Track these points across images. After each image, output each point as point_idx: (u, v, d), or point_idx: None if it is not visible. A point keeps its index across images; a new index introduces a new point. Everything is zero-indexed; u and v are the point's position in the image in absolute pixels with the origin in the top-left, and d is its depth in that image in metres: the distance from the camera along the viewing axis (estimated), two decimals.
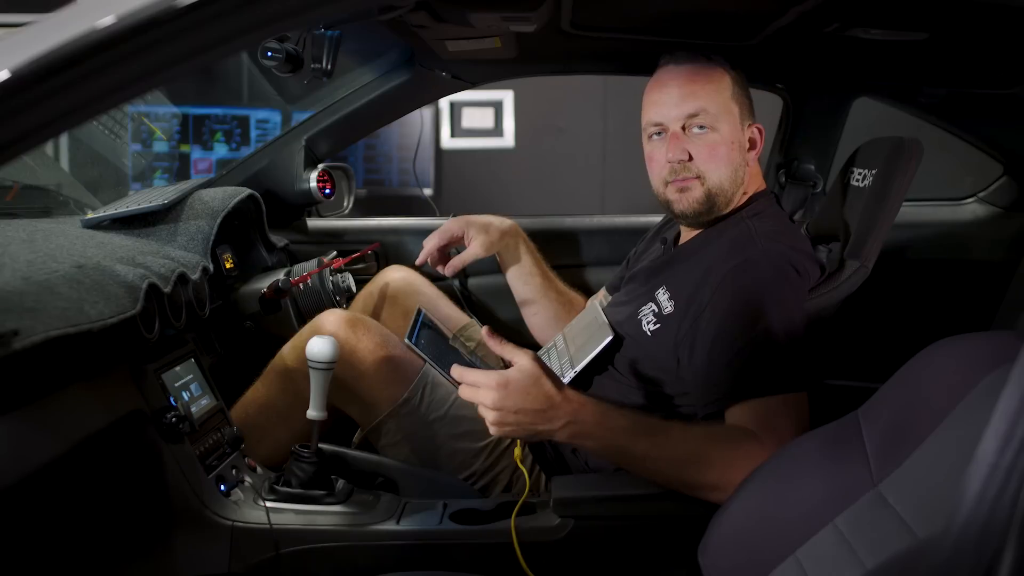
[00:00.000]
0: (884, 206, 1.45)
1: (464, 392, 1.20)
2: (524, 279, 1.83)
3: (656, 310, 1.44)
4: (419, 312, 1.71)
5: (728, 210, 1.50)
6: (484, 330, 1.26)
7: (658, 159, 1.48)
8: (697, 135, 1.44)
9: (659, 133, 1.48)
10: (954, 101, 1.99)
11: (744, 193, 1.51)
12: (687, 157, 1.44)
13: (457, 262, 1.77)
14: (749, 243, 1.39)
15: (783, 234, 1.43)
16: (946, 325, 1.19)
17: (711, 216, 1.49)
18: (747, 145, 1.49)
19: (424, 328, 1.65)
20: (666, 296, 1.44)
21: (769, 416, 1.26)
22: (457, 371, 1.21)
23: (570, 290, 1.87)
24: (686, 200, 1.46)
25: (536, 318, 1.84)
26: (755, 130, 1.51)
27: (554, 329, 1.80)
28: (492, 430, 1.19)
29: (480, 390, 1.18)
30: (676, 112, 1.45)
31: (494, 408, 1.17)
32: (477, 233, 1.77)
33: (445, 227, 1.79)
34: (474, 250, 1.77)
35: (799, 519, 1.01)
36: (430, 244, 1.78)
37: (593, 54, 1.91)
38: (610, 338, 1.48)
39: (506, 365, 1.80)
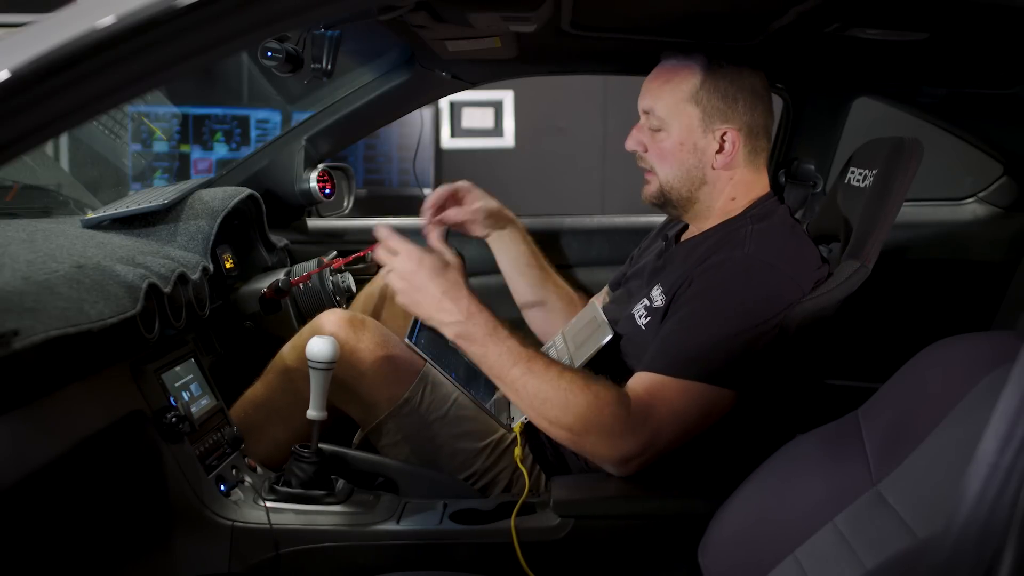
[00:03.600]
0: (884, 206, 1.45)
1: (379, 253, 1.32)
2: (521, 270, 1.81)
3: (648, 304, 1.45)
4: None
5: (719, 209, 1.50)
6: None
7: None
8: (651, 131, 1.50)
9: None
10: (954, 101, 1.99)
11: (733, 198, 1.50)
12: (643, 149, 1.51)
13: (457, 214, 1.73)
14: (738, 246, 1.39)
15: (781, 242, 1.41)
16: (946, 325, 1.19)
17: (676, 210, 1.53)
18: (714, 148, 1.47)
19: (424, 329, 1.65)
20: (659, 291, 1.44)
21: (654, 392, 1.29)
22: (383, 232, 1.32)
23: (569, 288, 1.87)
24: (646, 191, 1.55)
25: (535, 312, 1.83)
26: (726, 136, 1.46)
27: (554, 324, 1.80)
28: (397, 298, 1.32)
29: (397, 257, 1.29)
30: (639, 104, 1.52)
31: (402, 277, 1.29)
32: (481, 196, 1.76)
33: (454, 185, 1.75)
34: (477, 207, 1.74)
35: (799, 518, 1.01)
36: (436, 194, 1.72)
37: (593, 54, 1.90)
38: (609, 336, 1.49)
39: None
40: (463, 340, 1.31)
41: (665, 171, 1.50)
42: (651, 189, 1.52)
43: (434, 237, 1.35)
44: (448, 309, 1.29)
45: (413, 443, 1.52)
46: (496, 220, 1.78)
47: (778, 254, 1.38)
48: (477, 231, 1.79)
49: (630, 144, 1.52)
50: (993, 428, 0.59)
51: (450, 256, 1.31)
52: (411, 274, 1.30)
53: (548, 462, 1.50)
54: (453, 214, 1.73)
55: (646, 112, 1.50)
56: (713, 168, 1.48)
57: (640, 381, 1.32)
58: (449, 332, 1.31)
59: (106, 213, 1.57)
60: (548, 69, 2.13)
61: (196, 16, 0.74)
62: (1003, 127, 2.09)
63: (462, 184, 1.76)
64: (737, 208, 1.50)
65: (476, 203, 1.75)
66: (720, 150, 1.47)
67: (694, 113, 1.46)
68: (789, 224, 1.49)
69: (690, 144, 1.47)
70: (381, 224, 1.34)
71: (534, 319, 1.84)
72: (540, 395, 1.28)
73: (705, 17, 1.50)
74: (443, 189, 1.74)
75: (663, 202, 1.53)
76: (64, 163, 3.18)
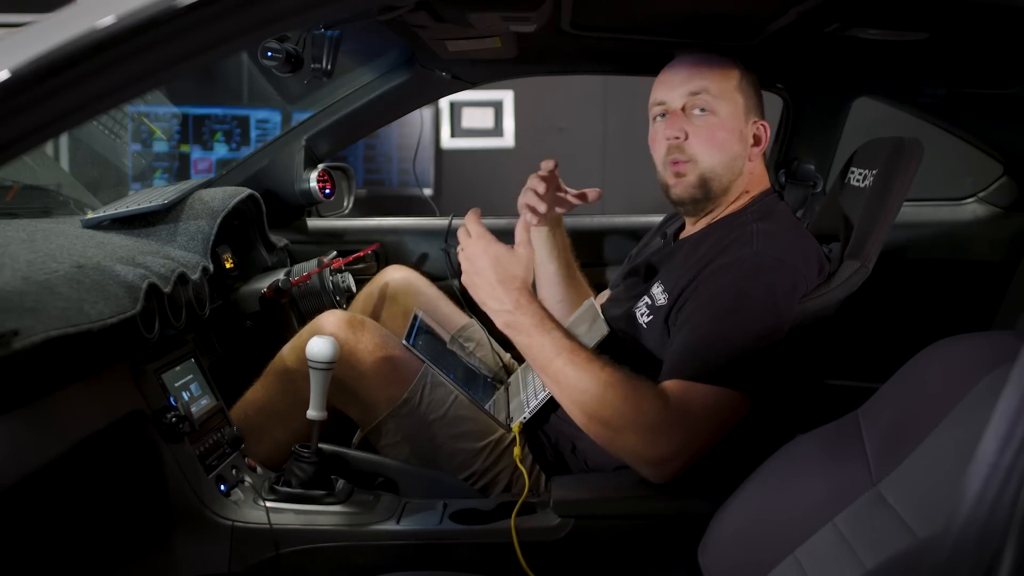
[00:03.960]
0: (884, 206, 1.45)
1: (460, 232, 1.36)
2: (561, 261, 1.78)
3: (650, 303, 1.45)
4: (415, 316, 1.71)
5: (728, 204, 1.50)
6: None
7: (659, 140, 1.50)
8: (697, 117, 1.46)
9: (663, 115, 1.50)
10: (954, 101, 1.99)
11: (747, 192, 1.51)
12: (684, 136, 1.46)
13: (594, 194, 1.71)
14: (746, 244, 1.38)
15: (785, 240, 1.40)
16: (946, 325, 1.19)
17: (708, 204, 1.50)
18: (750, 140, 1.50)
19: (421, 332, 1.66)
20: (660, 289, 1.44)
21: (690, 396, 1.28)
22: (472, 216, 1.35)
23: (589, 287, 1.84)
24: (682, 185, 1.49)
25: (558, 307, 1.78)
26: (760, 127, 1.51)
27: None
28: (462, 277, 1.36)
29: (471, 239, 1.33)
30: (679, 90, 1.47)
31: (467, 259, 1.33)
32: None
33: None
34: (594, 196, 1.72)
35: (799, 518, 1.01)
36: (549, 171, 1.65)
37: (593, 54, 1.90)
38: (606, 333, 1.49)
39: (504, 366, 1.80)
40: (510, 329, 1.32)
41: (711, 157, 1.46)
42: (690, 180, 1.47)
43: (523, 226, 1.36)
44: (499, 297, 1.30)
45: (413, 443, 1.51)
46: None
47: (785, 250, 1.38)
48: (548, 221, 1.74)
49: (671, 131, 1.46)
50: (993, 428, 0.59)
51: (523, 248, 1.33)
52: (475, 258, 1.32)
53: (548, 462, 1.50)
54: (558, 203, 1.69)
55: (695, 93, 1.46)
56: (749, 160, 1.50)
57: (674, 387, 1.30)
58: (498, 320, 1.32)
59: (106, 213, 1.57)
60: (548, 69, 2.13)
61: (196, 16, 0.74)
62: (1003, 127, 2.09)
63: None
64: (741, 203, 1.50)
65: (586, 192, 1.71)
66: (755, 143, 1.50)
67: (740, 101, 1.48)
68: (793, 221, 1.49)
69: (737, 131, 1.48)
70: (474, 210, 1.37)
71: (554, 312, 1.81)
72: (580, 387, 1.27)
73: (705, 17, 1.50)
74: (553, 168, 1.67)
75: (703, 193, 1.48)
76: (64, 163, 3.18)
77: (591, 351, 1.31)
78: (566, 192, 1.70)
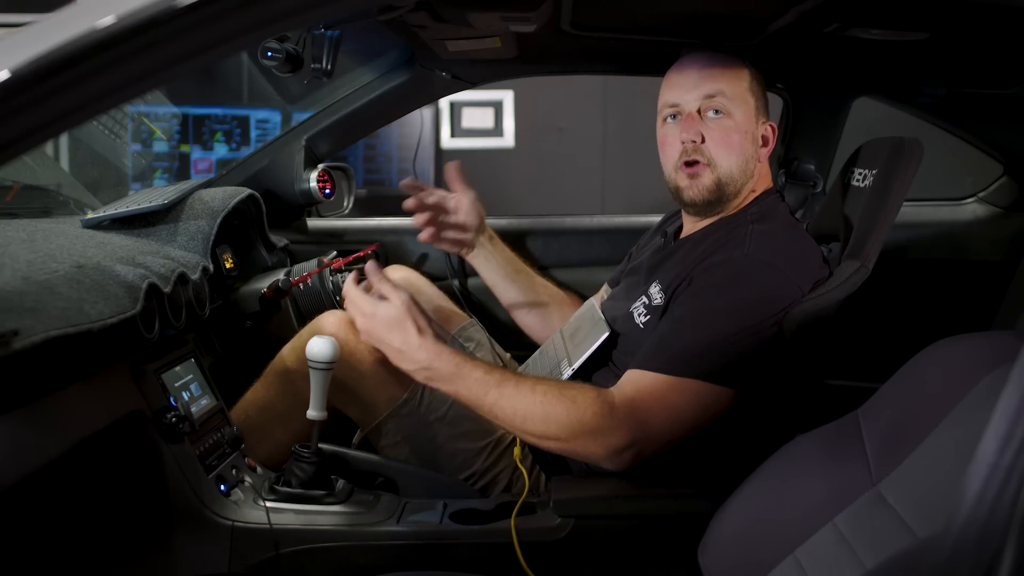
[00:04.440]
0: (884, 206, 1.45)
1: (347, 304, 1.35)
2: (511, 277, 1.82)
3: (647, 302, 1.45)
4: None
5: (735, 204, 1.50)
6: (368, 265, 1.36)
7: (671, 142, 1.49)
8: (712, 119, 1.45)
9: (674, 116, 1.49)
10: (954, 101, 1.99)
11: (752, 191, 1.51)
12: (700, 139, 1.45)
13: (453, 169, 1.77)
14: (738, 247, 1.39)
15: (781, 242, 1.40)
16: (946, 325, 1.19)
17: (720, 206, 1.49)
18: (760, 140, 1.50)
19: None
20: (657, 289, 1.44)
21: (642, 388, 1.29)
22: (347, 286, 1.35)
23: (558, 288, 1.87)
24: (696, 187, 1.47)
25: (530, 316, 1.83)
26: (768, 127, 1.51)
27: (550, 325, 1.80)
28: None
29: (356, 312, 1.33)
30: (694, 93, 1.46)
31: (363, 331, 1.33)
32: (471, 206, 1.77)
33: (447, 196, 1.78)
34: (468, 219, 1.77)
35: (799, 518, 1.01)
36: (431, 200, 1.75)
37: (593, 54, 1.90)
38: (606, 334, 1.49)
39: (504, 366, 1.80)
40: (432, 383, 1.33)
41: (727, 161, 1.45)
42: (705, 182, 1.45)
43: (377, 274, 1.35)
44: (409, 359, 1.31)
45: (413, 443, 1.52)
46: (479, 232, 1.80)
47: (777, 254, 1.38)
48: (462, 247, 1.81)
49: (687, 134, 1.45)
50: (993, 428, 0.59)
51: (398, 297, 1.31)
52: (369, 331, 1.33)
53: (548, 462, 1.50)
54: (453, 234, 1.77)
55: (710, 96, 1.44)
56: (759, 161, 1.50)
57: (630, 378, 1.32)
58: (418, 378, 1.33)
59: (106, 213, 1.57)
60: (548, 69, 2.13)
61: (196, 16, 0.74)
62: (1003, 127, 2.09)
63: (460, 197, 1.77)
64: (745, 202, 1.50)
65: (471, 212, 1.77)
66: (764, 143, 1.51)
67: (751, 103, 1.48)
68: (790, 223, 1.49)
69: (751, 133, 1.48)
70: (349, 283, 1.38)
71: (530, 323, 1.84)
72: (519, 414, 1.29)
73: (705, 17, 1.50)
74: (438, 196, 1.76)
75: (717, 196, 1.47)
76: (64, 163, 3.18)
77: (518, 375, 1.33)
78: (446, 203, 1.77)
